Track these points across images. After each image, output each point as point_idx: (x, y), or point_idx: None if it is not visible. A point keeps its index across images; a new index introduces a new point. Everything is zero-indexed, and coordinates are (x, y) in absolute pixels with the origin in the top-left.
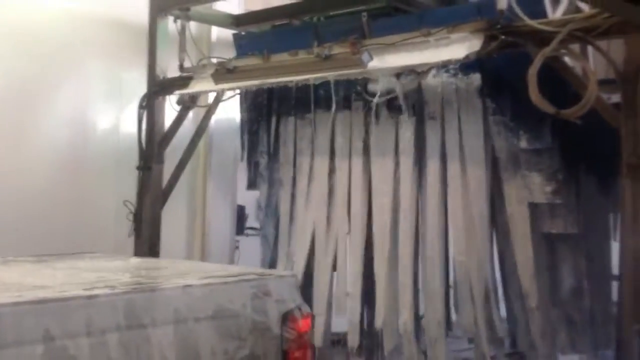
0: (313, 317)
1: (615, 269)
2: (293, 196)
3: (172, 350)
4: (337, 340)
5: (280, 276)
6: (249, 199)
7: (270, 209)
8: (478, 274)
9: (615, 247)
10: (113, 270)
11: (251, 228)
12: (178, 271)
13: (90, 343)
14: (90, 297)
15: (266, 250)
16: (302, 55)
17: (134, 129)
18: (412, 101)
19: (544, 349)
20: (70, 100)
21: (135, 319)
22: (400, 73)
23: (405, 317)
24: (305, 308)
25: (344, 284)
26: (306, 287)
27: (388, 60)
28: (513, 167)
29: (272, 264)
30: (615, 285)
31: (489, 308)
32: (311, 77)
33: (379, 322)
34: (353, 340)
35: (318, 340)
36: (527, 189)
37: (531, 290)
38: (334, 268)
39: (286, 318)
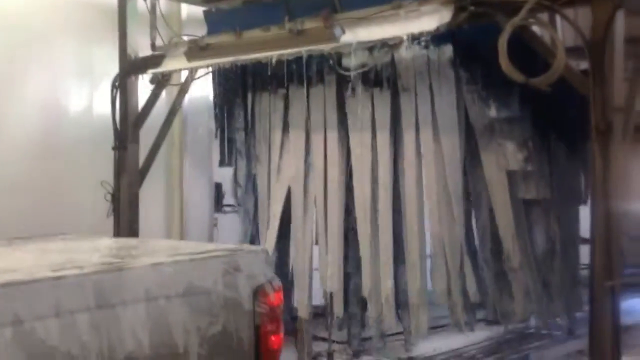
0: (284, 290)
1: (584, 232)
2: (270, 172)
3: (144, 329)
4: (320, 313)
5: (251, 251)
6: (226, 176)
7: (249, 184)
8: (452, 243)
9: (584, 211)
10: (83, 251)
11: (228, 205)
12: (148, 250)
13: (60, 324)
14: (58, 278)
15: (246, 226)
16: (275, 30)
17: (107, 109)
18: (387, 74)
19: (523, 310)
20: (42, 83)
21: (105, 299)
22: (373, 46)
23: (387, 286)
24: (277, 282)
25: (324, 257)
26: (282, 261)
27: (360, 34)
28: (489, 135)
29: (253, 240)
30: (584, 248)
31: (463, 276)
32: (284, 53)
33: (365, 291)
34: (338, 310)
35: (303, 312)
36: (503, 157)
37: (513, 252)
38: (315, 242)
39: (257, 293)
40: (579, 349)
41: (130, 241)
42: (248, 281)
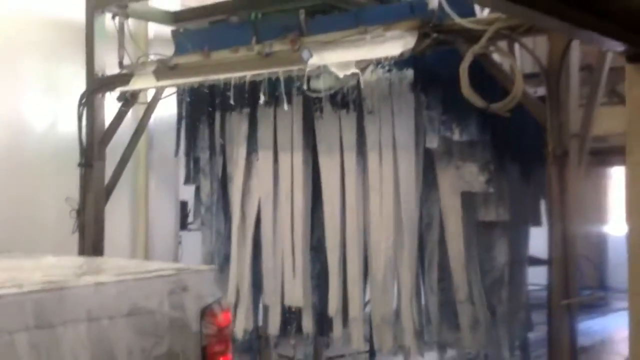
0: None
1: (539, 252)
2: (243, 191)
3: (85, 350)
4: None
5: (199, 271)
6: (191, 194)
7: (212, 204)
8: (404, 267)
9: (540, 232)
10: (26, 269)
11: (192, 224)
12: (93, 269)
13: None
14: None
15: (207, 245)
16: (243, 52)
17: (73, 126)
18: (353, 97)
19: (470, 342)
20: (6, 99)
21: (45, 318)
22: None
23: (355, 306)
24: (225, 302)
25: (290, 276)
26: (255, 279)
27: (327, 57)
28: (447, 159)
29: (221, 257)
30: (535, 269)
31: (417, 301)
32: (253, 74)
33: (332, 309)
34: (307, 326)
35: (274, 329)
36: (462, 180)
37: (461, 283)
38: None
39: (205, 313)
40: None
41: (76, 260)
42: (195, 301)
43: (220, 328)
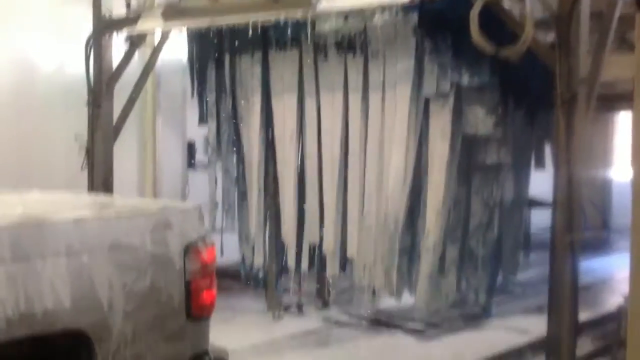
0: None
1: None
2: (252, 132)
3: (65, 284)
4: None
5: (183, 208)
6: (198, 134)
7: (220, 144)
8: (395, 210)
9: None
10: (8, 204)
11: (200, 163)
12: (77, 205)
13: None
14: None
15: (229, 183)
16: None
17: (81, 67)
18: (360, 41)
19: (425, 291)
20: (16, 40)
21: (22, 252)
22: (347, 14)
23: (353, 244)
24: (209, 239)
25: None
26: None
27: (337, 2)
28: (442, 103)
29: (231, 196)
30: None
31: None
32: (261, 18)
33: (328, 247)
34: (306, 263)
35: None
36: (468, 123)
37: (434, 228)
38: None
39: (188, 249)
40: (539, 305)
41: (63, 196)
42: (179, 238)
43: (204, 264)
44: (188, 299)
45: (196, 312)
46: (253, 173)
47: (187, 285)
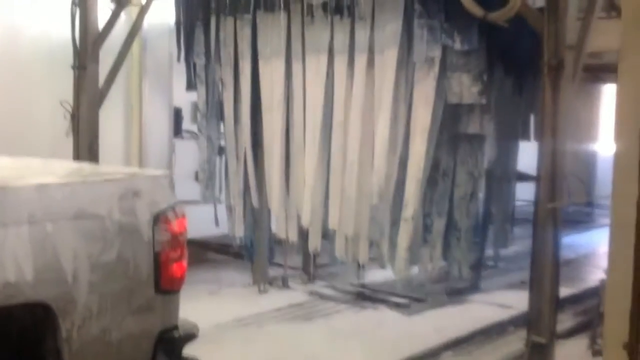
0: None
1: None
2: (236, 98)
3: (28, 254)
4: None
5: (152, 176)
6: (185, 101)
7: (209, 110)
8: (379, 180)
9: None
10: None
11: (188, 131)
12: (42, 171)
13: None
14: None
15: (211, 152)
16: None
17: (67, 29)
18: (347, 3)
19: (403, 261)
20: None
21: None
22: None
23: (334, 216)
24: (180, 208)
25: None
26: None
27: None
28: (427, 69)
29: (212, 165)
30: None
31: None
32: None
33: (305, 221)
34: (292, 236)
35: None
36: (451, 91)
37: (412, 198)
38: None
39: (158, 219)
40: (522, 280)
41: (31, 161)
42: (147, 207)
43: (175, 235)
44: (157, 271)
45: (165, 285)
46: (237, 140)
47: (156, 256)
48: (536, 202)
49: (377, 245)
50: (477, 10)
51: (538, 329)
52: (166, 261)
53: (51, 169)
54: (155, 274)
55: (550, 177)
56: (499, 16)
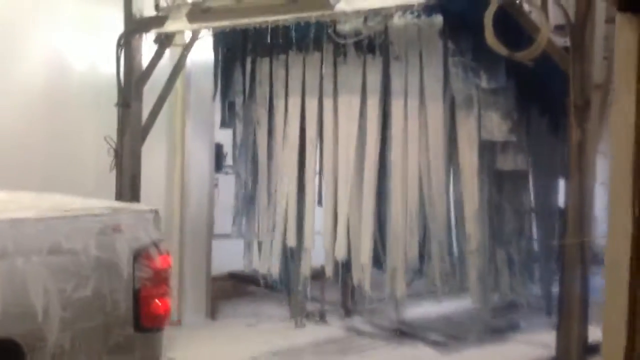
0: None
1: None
2: (270, 136)
3: None
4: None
5: (135, 211)
6: (227, 137)
7: (245, 147)
8: (432, 215)
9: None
10: None
11: (230, 166)
12: (25, 205)
13: None
14: None
15: (239, 188)
16: None
17: (112, 67)
18: (379, 42)
19: (477, 291)
20: (47, 40)
21: None
22: (367, 15)
23: (366, 253)
24: (164, 244)
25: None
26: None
27: (355, 3)
28: (468, 107)
29: (248, 201)
30: None
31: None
32: (281, 19)
33: (340, 254)
34: (328, 271)
35: (305, 271)
36: (484, 129)
37: (473, 234)
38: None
39: (139, 255)
40: None
41: (23, 195)
42: (128, 243)
43: (157, 271)
44: (137, 308)
45: (146, 323)
46: (269, 177)
47: (136, 293)
48: (563, 239)
49: (430, 280)
50: (502, 50)
51: None
52: (147, 298)
53: (37, 203)
54: (135, 312)
55: (578, 215)
56: (524, 56)
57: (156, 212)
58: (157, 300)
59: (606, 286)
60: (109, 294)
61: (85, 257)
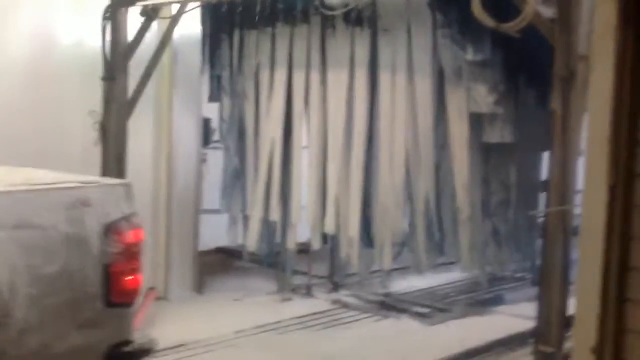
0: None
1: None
2: (257, 109)
3: None
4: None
5: (106, 185)
6: (215, 111)
7: (232, 121)
8: (418, 188)
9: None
10: None
11: (217, 141)
12: None
13: None
14: None
15: (227, 161)
16: None
17: (97, 40)
18: (367, 14)
19: (470, 261)
20: (33, 14)
21: None
22: None
23: (354, 226)
24: (135, 218)
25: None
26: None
27: None
28: (457, 79)
29: (235, 175)
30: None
31: (429, 221)
32: None
33: (330, 228)
34: (315, 244)
35: (291, 245)
36: (472, 100)
37: (464, 202)
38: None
39: (109, 230)
40: None
41: None
42: (97, 217)
43: (128, 246)
44: (107, 284)
45: (116, 299)
46: (256, 152)
47: (106, 269)
48: (545, 213)
49: (414, 252)
50: (488, 21)
51: (545, 339)
52: (117, 273)
53: (8, 177)
54: (105, 287)
55: (560, 188)
56: (511, 27)
57: (128, 185)
58: (128, 276)
59: (580, 252)
60: (78, 269)
61: (53, 231)
